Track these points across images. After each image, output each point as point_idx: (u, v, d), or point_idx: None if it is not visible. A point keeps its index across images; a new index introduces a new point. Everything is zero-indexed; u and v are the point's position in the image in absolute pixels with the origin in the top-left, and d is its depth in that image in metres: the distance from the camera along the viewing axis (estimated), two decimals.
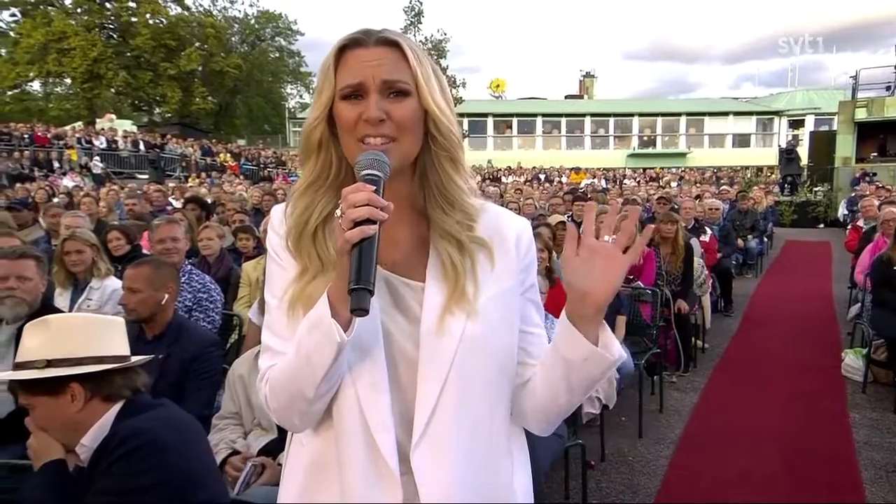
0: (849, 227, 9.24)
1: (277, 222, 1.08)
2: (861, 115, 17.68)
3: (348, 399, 0.98)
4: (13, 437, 2.09)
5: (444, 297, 1.00)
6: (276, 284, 1.05)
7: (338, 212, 0.90)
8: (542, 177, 28.41)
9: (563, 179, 26.87)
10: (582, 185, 21.17)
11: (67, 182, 16.08)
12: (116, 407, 1.59)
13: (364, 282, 0.86)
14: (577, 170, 28.83)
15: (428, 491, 0.96)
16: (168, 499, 1.46)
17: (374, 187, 0.90)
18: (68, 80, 39.37)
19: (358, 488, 0.96)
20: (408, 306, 1.02)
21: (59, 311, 3.25)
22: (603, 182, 24.98)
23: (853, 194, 14.08)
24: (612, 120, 41.65)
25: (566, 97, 48.18)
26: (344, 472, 0.97)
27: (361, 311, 0.87)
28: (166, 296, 2.69)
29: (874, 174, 16.31)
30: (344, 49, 1.00)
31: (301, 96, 51.19)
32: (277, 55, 47.40)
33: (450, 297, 1.00)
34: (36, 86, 40.83)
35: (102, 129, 26.08)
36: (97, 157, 21.19)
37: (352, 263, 0.87)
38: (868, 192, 11.50)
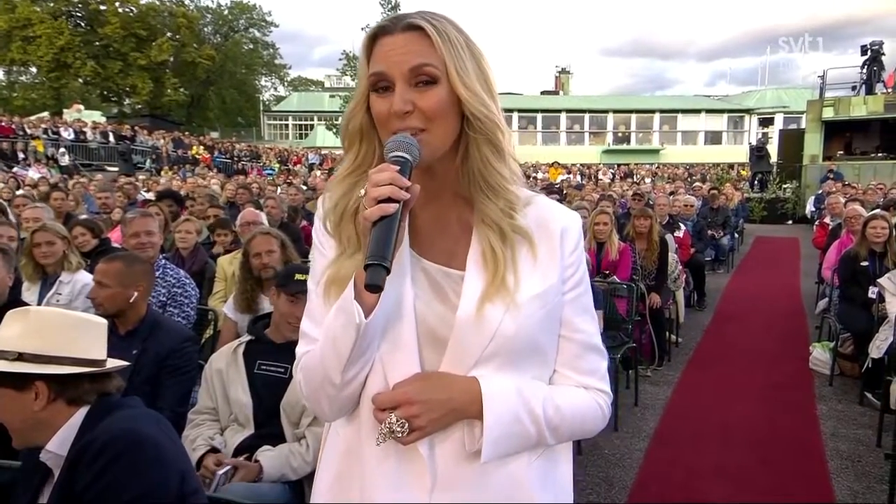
0: (816, 223, 9.44)
1: (323, 212, 1.08)
2: (828, 114, 18.06)
3: (379, 387, 0.98)
4: None
5: (483, 285, 0.98)
6: (317, 272, 1.05)
7: (361, 191, 0.90)
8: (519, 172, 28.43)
9: (539, 175, 27.01)
10: (558, 180, 21.32)
11: (33, 174, 15.60)
12: (83, 411, 1.53)
13: (378, 257, 0.83)
14: (555, 164, 28.99)
15: (448, 478, 0.97)
16: (171, 495, 1.43)
17: (399, 167, 0.88)
18: (34, 69, 38.30)
19: (389, 473, 0.97)
20: (447, 296, 1.00)
21: (26, 305, 3.17)
22: (578, 178, 25.17)
23: (820, 191, 14.39)
24: (587, 116, 42.03)
25: (542, 93, 48.42)
26: (376, 457, 0.98)
27: (374, 286, 0.84)
28: (135, 293, 2.60)
29: (839, 173, 16.69)
30: (375, 37, 0.97)
31: (276, 89, 50.64)
32: (251, 47, 46.72)
33: (489, 286, 0.97)
34: None
35: (73, 119, 25.37)
36: (64, 149, 20.60)
37: (369, 240, 0.86)
38: (834, 190, 11.75)
